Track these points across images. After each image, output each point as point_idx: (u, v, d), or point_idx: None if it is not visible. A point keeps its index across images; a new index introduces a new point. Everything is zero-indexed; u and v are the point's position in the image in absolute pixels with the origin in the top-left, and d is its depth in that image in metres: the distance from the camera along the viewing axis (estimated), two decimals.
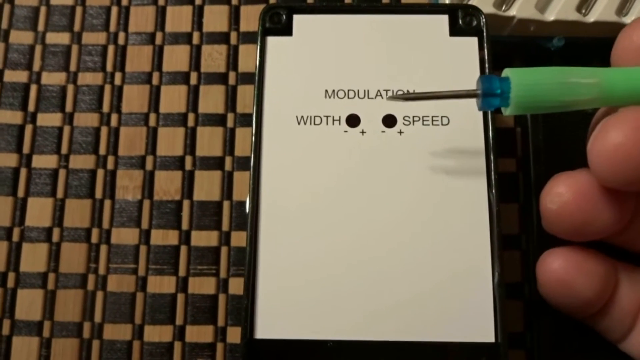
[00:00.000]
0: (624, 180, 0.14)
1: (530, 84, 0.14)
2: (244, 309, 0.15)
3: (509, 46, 0.20)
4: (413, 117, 0.16)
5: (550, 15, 0.19)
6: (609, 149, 0.13)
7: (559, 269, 0.16)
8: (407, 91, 0.17)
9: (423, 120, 0.16)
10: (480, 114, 0.16)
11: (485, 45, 0.17)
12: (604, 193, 0.14)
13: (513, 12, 0.19)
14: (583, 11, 0.19)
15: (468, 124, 0.16)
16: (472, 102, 0.15)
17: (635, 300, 0.16)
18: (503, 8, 0.19)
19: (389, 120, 0.16)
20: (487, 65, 0.17)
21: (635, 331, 0.16)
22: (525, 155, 0.21)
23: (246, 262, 0.15)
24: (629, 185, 0.14)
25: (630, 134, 0.13)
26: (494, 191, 0.16)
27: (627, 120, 0.13)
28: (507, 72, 0.14)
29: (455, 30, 0.17)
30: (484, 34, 0.17)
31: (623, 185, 0.14)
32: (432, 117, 0.16)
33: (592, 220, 0.15)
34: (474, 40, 0.17)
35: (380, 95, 0.17)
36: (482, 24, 0.17)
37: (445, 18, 0.17)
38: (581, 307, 0.16)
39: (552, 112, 0.14)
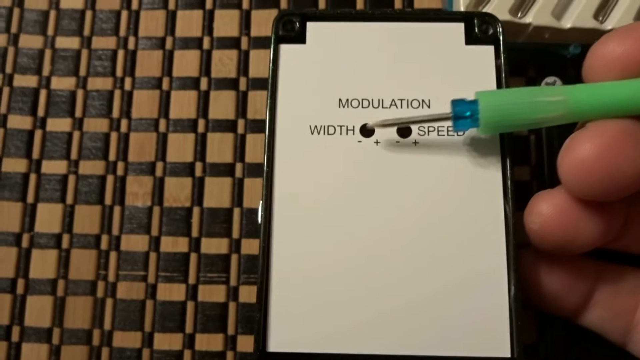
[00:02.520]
0: (593, 193, 0.14)
1: (497, 105, 0.15)
2: (256, 322, 0.15)
3: (524, 53, 0.20)
4: (428, 127, 0.16)
5: (567, 23, 0.19)
6: (574, 163, 0.14)
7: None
8: (421, 101, 0.17)
9: (438, 131, 0.16)
10: None
11: (502, 54, 0.16)
12: (585, 207, 0.15)
13: (529, 19, 0.19)
14: (600, 18, 0.19)
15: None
16: None
17: (623, 301, 0.16)
18: (519, 15, 0.19)
19: (404, 131, 0.16)
20: (503, 74, 0.16)
21: (635, 332, 0.16)
22: (539, 163, 0.20)
23: (259, 273, 0.15)
24: (599, 197, 0.14)
25: (593, 148, 0.14)
26: (510, 203, 0.16)
27: (591, 135, 0.14)
28: (477, 94, 0.15)
29: (471, 38, 0.17)
30: (501, 42, 0.17)
31: (594, 197, 0.14)
32: (448, 127, 0.16)
33: (574, 236, 0.15)
34: (490, 49, 0.17)
35: (395, 104, 0.16)
36: (498, 32, 0.17)
37: (461, 26, 0.17)
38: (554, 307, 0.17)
39: (523, 129, 0.15)
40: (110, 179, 0.21)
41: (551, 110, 0.14)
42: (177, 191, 0.21)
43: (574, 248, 0.15)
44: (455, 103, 0.15)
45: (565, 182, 0.14)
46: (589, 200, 0.14)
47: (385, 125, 0.16)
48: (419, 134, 0.16)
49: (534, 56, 0.20)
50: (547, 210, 0.15)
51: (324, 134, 0.16)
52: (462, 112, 0.15)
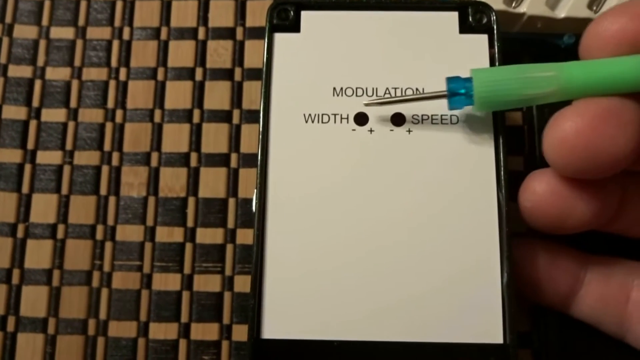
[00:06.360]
0: (575, 171, 0.14)
1: (491, 81, 0.15)
2: (251, 309, 0.15)
3: (518, 43, 0.20)
4: (422, 115, 0.16)
5: (561, 12, 0.19)
6: (556, 140, 0.14)
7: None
8: (414, 90, 0.17)
9: (432, 119, 0.16)
10: (490, 113, 0.16)
11: (495, 42, 0.17)
12: (578, 187, 0.15)
13: (523, 8, 0.19)
14: (594, 8, 0.19)
15: (477, 122, 0.16)
16: None
17: (613, 292, 0.16)
18: (513, 4, 0.19)
19: (398, 119, 0.16)
20: (497, 63, 0.16)
21: (630, 324, 0.16)
22: (532, 153, 0.20)
23: (253, 261, 0.15)
24: (582, 174, 0.14)
25: (574, 126, 0.14)
26: (503, 191, 0.16)
27: (574, 113, 0.14)
28: (471, 71, 0.15)
29: (465, 27, 0.17)
30: (495, 31, 0.17)
31: (578, 175, 0.14)
32: (442, 115, 0.16)
33: (567, 215, 0.15)
34: (484, 38, 0.17)
35: (389, 93, 0.16)
36: (492, 21, 0.17)
37: (455, 15, 0.17)
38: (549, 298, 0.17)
39: (518, 106, 0.15)
40: (105, 169, 0.21)
41: (543, 86, 0.14)
42: (173, 181, 0.21)
43: (567, 227, 0.15)
44: (450, 80, 0.15)
45: (548, 160, 0.14)
46: (574, 178, 0.14)
47: (381, 103, 0.16)
48: (412, 122, 0.16)
49: (527, 46, 0.20)
50: (540, 188, 0.15)
51: (318, 122, 0.16)
52: (457, 89, 0.15)
